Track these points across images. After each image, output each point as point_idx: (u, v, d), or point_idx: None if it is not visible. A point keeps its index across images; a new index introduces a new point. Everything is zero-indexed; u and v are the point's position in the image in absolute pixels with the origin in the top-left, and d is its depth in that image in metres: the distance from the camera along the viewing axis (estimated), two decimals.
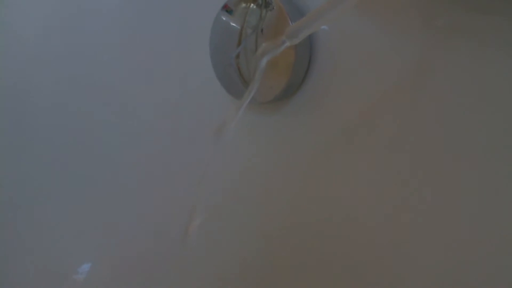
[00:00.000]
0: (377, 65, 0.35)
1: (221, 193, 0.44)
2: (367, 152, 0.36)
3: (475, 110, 0.31)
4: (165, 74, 0.48)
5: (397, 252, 0.35)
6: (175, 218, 0.46)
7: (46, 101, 0.57)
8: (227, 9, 0.42)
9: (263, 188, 0.42)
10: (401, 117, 0.34)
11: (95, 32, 0.51)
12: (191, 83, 0.46)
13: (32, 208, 0.58)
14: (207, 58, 0.43)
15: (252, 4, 0.41)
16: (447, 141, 0.32)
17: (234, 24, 0.42)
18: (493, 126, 0.30)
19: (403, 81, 0.34)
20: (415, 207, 0.34)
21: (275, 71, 0.38)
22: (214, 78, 0.42)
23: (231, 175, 0.44)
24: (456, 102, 0.31)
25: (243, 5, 0.41)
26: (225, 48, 0.42)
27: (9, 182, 0.59)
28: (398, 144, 0.34)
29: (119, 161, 0.52)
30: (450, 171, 0.32)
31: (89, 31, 0.52)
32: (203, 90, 0.45)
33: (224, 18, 0.42)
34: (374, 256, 0.36)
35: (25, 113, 0.58)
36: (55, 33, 0.55)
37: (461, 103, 0.31)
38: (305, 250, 0.40)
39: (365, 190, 0.37)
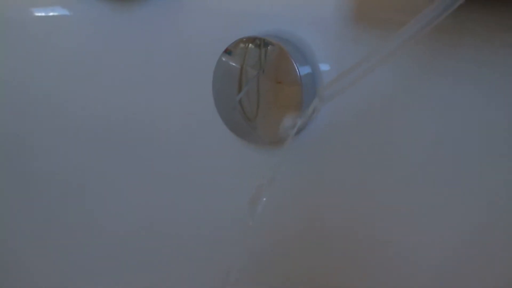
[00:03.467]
0: (381, 106, 0.36)
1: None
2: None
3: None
4: (170, 122, 0.48)
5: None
6: None
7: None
8: (227, 51, 0.43)
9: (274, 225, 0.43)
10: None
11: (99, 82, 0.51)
12: (197, 128, 0.46)
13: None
14: (211, 103, 0.43)
15: (250, 44, 0.42)
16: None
17: (234, 64, 0.43)
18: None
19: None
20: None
21: (282, 111, 0.39)
22: (220, 121, 0.43)
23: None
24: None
25: (242, 45, 0.42)
26: (227, 90, 0.42)
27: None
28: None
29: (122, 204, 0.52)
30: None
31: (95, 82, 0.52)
32: (210, 133, 0.45)
33: (224, 59, 0.43)
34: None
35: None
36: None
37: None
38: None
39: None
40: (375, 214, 0.38)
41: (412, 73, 0.33)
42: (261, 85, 0.41)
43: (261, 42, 0.40)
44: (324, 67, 0.38)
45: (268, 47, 0.40)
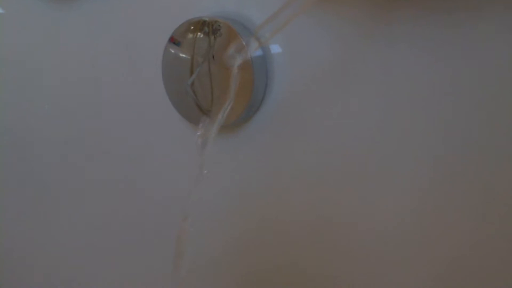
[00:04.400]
0: (331, 81, 0.36)
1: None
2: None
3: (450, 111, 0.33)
4: (123, 110, 0.47)
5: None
6: None
7: None
8: (174, 41, 0.43)
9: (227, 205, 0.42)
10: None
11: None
12: (149, 115, 0.45)
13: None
14: (162, 89, 0.42)
15: (199, 33, 0.41)
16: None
17: (183, 55, 0.42)
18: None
19: (361, 92, 0.36)
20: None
21: (236, 94, 0.39)
22: (171, 106, 0.42)
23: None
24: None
25: (190, 35, 0.42)
26: (178, 78, 0.42)
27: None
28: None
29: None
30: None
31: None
32: (162, 120, 0.44)
33: (172, 51, 0.42)
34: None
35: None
36: None
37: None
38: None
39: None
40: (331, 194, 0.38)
41: (352, 39, 0.34)
42: (212, 71, 0.41)
43: (209, 29, 0.40)
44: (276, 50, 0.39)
45: (217, 33, 0.40)
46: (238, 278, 0.44)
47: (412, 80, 0.33)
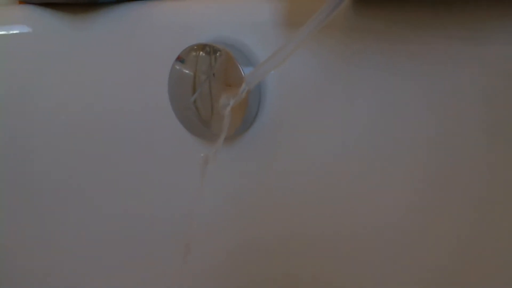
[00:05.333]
0: (317, 97, 0.40)
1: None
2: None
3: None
4: (131, 126, 0.52)
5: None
6: None
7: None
8: (180, 59, 0.47)
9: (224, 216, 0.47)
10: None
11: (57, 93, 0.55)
12: (156, 128, 0.50)
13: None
14: (168, 105, 0.47)
15: (201, 52, 0.46)
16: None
17: (187, 71, 0.47)
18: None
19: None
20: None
21: (233, 110, 0.43)
22: (176, 121, 0.47)
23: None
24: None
25: (193, 53, 0.46)
26: (182, 94, 0.46)
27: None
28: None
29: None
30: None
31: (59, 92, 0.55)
32: (167, 132, 0.49)
33: (177, 67, 0.47)
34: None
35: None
36: None
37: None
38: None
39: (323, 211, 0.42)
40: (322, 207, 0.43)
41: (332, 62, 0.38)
42: (212, 88, 0.45)
43: (210, 49, 0.45)
44: None
45: (217, 54, 0.44)
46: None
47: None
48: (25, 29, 0.52)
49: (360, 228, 0.41)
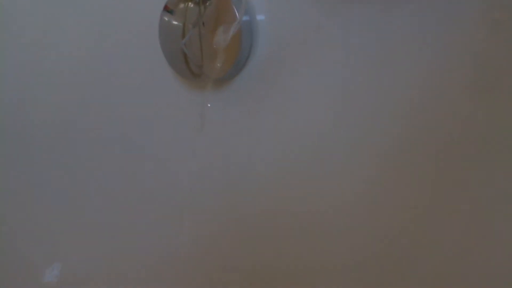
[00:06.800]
0: (306, 43, 0.44)
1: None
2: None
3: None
4: (125, 72, 0.53)
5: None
6: None
7: None
8: (167, 9, 0.49)
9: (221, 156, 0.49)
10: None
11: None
12: (147, 72, 0.52)
13: None
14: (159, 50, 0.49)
15: (190, 3, 0.48)
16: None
17: (176, 22, 0.49)
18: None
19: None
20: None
21: (225, 53, 0.46)
22: (166, 65, 0.49)
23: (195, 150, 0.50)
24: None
25: (182, 5, 0.48)
26: (172, 41, 0.48)
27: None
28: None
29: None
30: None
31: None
32: (157, 75, 0.51)
33: (166, 18, 0.49)
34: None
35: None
36: None
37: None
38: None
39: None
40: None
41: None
42: (202, 36, 0.47)
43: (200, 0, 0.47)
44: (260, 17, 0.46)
45: (207, 3, 0.47)
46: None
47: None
48: None
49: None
